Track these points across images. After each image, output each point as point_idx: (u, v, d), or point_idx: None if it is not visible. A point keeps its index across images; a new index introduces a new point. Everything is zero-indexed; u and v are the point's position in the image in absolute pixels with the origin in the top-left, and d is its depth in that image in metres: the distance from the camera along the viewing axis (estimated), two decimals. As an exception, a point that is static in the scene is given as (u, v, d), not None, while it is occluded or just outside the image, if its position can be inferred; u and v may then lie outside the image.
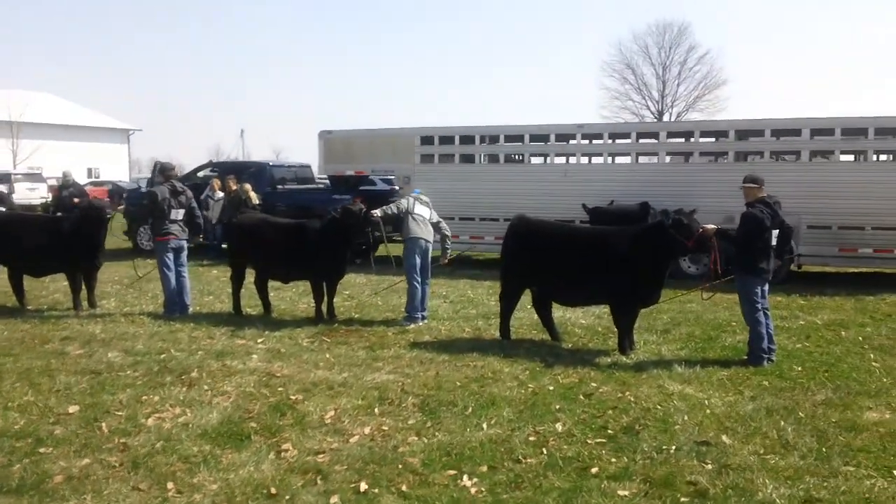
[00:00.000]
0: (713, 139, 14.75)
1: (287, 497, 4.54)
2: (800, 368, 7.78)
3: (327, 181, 17.78)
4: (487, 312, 10.60)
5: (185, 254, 10.83)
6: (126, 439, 5.48)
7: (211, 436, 5.59)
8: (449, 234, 10.52)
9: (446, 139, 15.93)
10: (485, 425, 5.93)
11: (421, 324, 9.93)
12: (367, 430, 5.76)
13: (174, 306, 10.66)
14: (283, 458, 5.19)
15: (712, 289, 9.14)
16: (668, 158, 14.58)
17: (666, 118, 47.95)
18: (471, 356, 8.16)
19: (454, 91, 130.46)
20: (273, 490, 4.62)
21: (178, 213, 10.62)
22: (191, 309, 10.87)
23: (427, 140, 16.05)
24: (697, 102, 50.96)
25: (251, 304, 10.93)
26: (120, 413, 6.12)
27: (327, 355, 8.23)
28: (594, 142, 15.09)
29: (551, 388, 7.04)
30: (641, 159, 14.81)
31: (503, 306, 9.21)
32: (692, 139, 14.42)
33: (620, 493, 4.69)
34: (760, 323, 7.94)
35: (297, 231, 10.29)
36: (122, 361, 7.89)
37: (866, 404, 6.53)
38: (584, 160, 15.50)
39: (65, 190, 17.56)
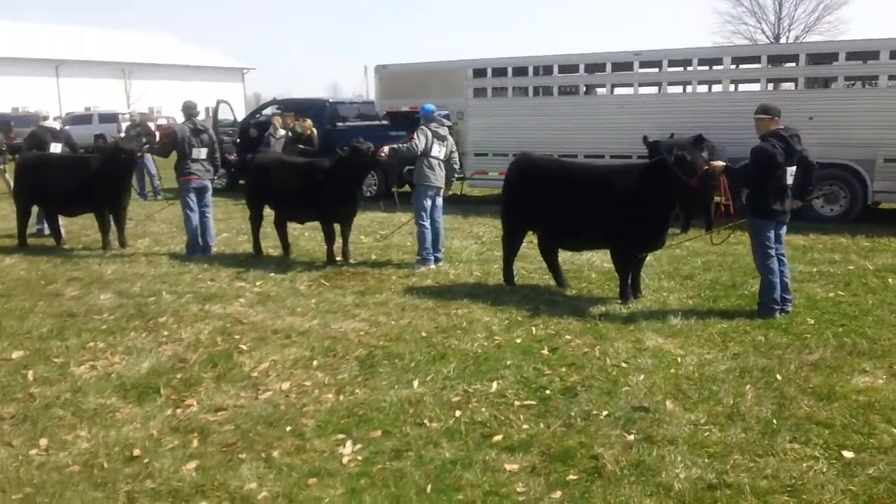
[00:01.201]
0: (780, 64, 13.37)
1: (146, 459, 4.34)
2: (812, 322, 6.96)
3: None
4: (521, 255, 9.92)
5: (209, 194, 10.80)
6: (39, 388, 5.45)
7: (125, 387, 5.49)
8: (457, 166, 9.99)
9: (499, 71, 15.20)
10: (416, 382, 5.57)
11: (432, 266, 9.54)
12: (285, 386, 5.51)
13: (196, 247, 10.70)
14: (177, 415, 5.01)
15: (724, 230, 8.19)
16: (732, 87, 13.33)
17: (783, 42, 44.48)
18: (458, 303, 7.76)
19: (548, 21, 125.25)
20: (137, 451, 4.44)
21: (201, 153, 10.55)
22: (214, 249, 10.87)
23: (479, 73, 15.36)
24: (817, 24, 46.92)
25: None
26: (57, 360, 6.10)
27: (312, 301, 8.02)
28: (652, 70, 13.99)
29: (519, 340, 6.58)
30: (701, 88, 13.61)
31: (505, 250, 8.70)
32: (758, 65, 13.10)
33: (507, 466, 4.25)
34: (773, 271, 7.12)
35: (306, 170, 10.04)
36: (106, 304, 7.95)
37: (862, 366, 5.74)
38: (644, 90, 14.43)
39: (132, 129, 17.95)
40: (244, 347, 6.44)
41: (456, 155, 9.88)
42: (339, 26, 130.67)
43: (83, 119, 39.61)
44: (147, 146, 11.30)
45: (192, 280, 9.07)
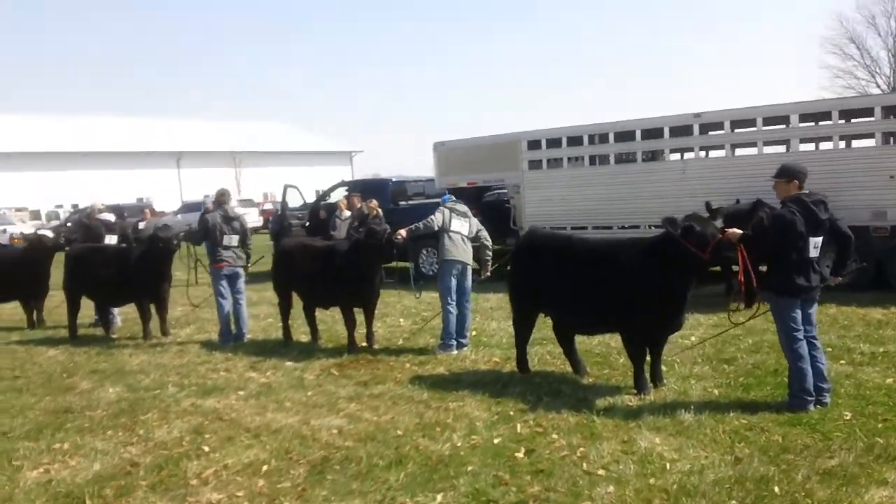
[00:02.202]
0: (850, 119, 12.27)
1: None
2: (849, 416, 5.97)
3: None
4: (547, 337, 9.15)
5: (241, 280, 10.71)
6: (-30, 498, 5.23)
7: (57, 496, 5.22)
8: (489, 243, 9.48)
9: (553, 142, 14.70)
10: (355, 494, 5.01)
11: (453, 352, 8.99)
12: (215, 497, 5.08)
13: (228, 335, 10.59)
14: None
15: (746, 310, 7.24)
16: (800, 146, 12.29)
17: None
18: (457, 394, 7.21)
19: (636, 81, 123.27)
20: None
21: (232, 240, 10.52)
22: (247, 336, 10.72)
23: (534, 144, 14.92)
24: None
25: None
26: (16, 462, 5.92)
27: (309, 393, 7.64)
28: (714, 133, 13.11)
29: (497, 440, 5.92)
30: (767, 149, 12.61)
31: (516, 334, 8.08)
32: (827, 122, 12.06)
33: None
34: (801, 356, 6.20)
35: (326, 254, 9.79)
36: (108, 398, 7.81)
37: (884, 476, 4.77)
38: (704, 154, 13.57)
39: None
40: (206, 449, 6.07)
41: (484, 232, 9.42)
42: (443, 104, 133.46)
43: (195, 207, 41.55)
44: (182, 234, 11.39)
45: (206, 371, 8.87)
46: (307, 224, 18.75)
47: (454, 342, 9.08)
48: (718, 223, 6.68)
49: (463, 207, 9.27)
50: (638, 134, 13.56)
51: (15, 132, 49.83)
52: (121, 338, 11.38)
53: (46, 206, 45.03)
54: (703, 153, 13.40)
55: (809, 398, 6.17)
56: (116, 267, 11.09)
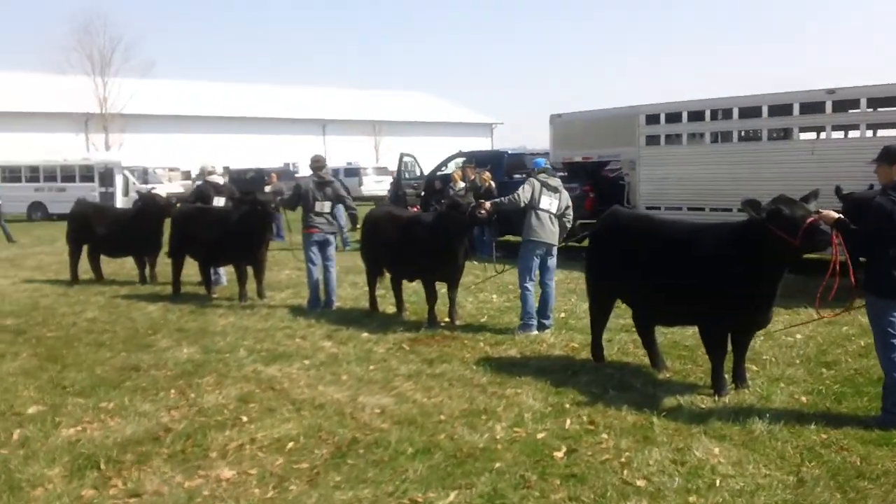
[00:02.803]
0: None
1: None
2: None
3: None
4: (632, 325, 8.55)
5: (331, 248, 10.65)
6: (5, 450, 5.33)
7: (78, 458, 5.22)
8: (569, 220, 8.91)
9: (673, 117, 13.75)
10: (366, 483, 4.74)
11: (532, 333, 8.55)
12: (227, 474, 4.94)
13: (316, 302, 10.57)
14: (84, 497, 4.60)
15: (841, 303, 6.27)
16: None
17: None
18: (517, 381, 6.80)
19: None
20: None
21: (324, 206, 10.46)
22: (336, 304, 10.68)
23: (652, 119, 14.02)
24: None
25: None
26: (59, 419, 6.02)
27: (371, 367, 7.44)
28: (849, 111, 11.78)
29: (542, 435, 5.49)
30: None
31: (592, 320, 7.54)
32: None
33: None
34: (902, 360, 5.37)
35: (410, 225, 9.53)
36: (177, 359, 7.90)
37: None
38: (837, 134, 12.26)
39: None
40: (244, 419, 5.98)
41: (570, 211, 8.85)
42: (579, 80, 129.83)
43: (333, 173, 42.58)
44: (280, 199, 11.44)
45: (282, 337, 8.85)
46: (422, 194, 18.66)
47: (534, 322, 8.64)
48: (812, 206, 5.86)
49: (555, 181, 8.73)
50: (764, 110, 12.44)
51: (170, 97, 52.56)
52: (221, 298, 11.58)
53: (197, 168, 47.43)
54: (836, 133, 12.10)
55: (906, 415, 5.34)
56: (217, 228, 11.29)
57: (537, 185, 8.64)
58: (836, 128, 12.00)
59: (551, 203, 8.57)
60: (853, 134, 12.02)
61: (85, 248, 13.50)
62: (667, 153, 13.81)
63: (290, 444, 5.41)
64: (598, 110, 15.34)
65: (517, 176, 17.10)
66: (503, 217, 9.49)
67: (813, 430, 5.38)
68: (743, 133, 12.96)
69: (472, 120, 68.60)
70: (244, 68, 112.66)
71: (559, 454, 5.11)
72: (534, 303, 8.68)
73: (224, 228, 11.20)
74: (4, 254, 18.28)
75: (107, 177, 32.09)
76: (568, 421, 5.71)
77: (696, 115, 13.38)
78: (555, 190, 8.65)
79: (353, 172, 40.24)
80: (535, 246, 8.67)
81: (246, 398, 6.51)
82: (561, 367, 7.21)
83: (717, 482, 4.58)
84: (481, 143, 66.53)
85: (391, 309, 10.24)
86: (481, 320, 9.52)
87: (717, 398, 6.17)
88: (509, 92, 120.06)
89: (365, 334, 8.83)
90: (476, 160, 17.91)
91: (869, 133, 11.56)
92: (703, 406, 5.98)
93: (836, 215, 5.59)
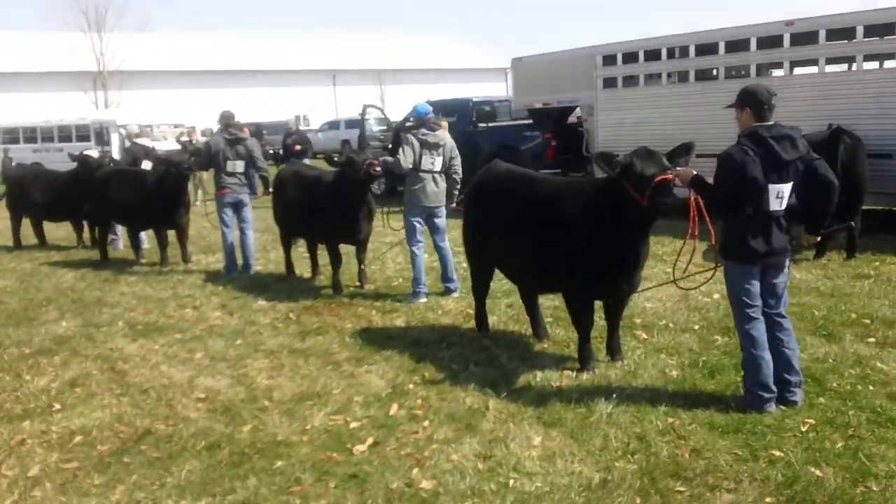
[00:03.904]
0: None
1: None
2: (807, 427, 4.46)
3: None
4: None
5: (246, 209, 10.08)
6: None
7: None
8: (459, 176, 8.18)
9: (630, 56, 12.81)
10: (116, 489, 4.23)
11: (422, 301, 7.93)
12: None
13: (233, 266, 10.07)
14: None
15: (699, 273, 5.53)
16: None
17: None
18: (380, 355, 6.29)
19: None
20: None
21: (236, 165, 9.88)
22: (255, 268, 10.15)
23: (609, 60, 13.08)
24: None
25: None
26: None
27: (238, 342, 6.96)
28: (807, 46, 10.77)
29: (356, 424, 4.95)
30: (868, 65, 10.23)
31: (473, 288, 6.92)
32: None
33: None
34: (755, 341, 4.71)
35: (312, 186, 8.89)
36: (50, 333, 7.53)
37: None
38: (799, 70, 11.29)
39: (289, 137, 17.99)
40: (56, 406, 5.53)
41: (457, 162, 8.14)
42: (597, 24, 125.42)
43: (334, 125, 41.90)
44: (192, 159, 10.84)
45: (175, 307, 8.38)
46: (389, 147, 17.92)
47: (422, 289, 8.02)
48: (682, 162, 5.14)
49: (436, 136, 7.96)
50: (721, 46, 11.47)
51: (170, 51, 51.71)
52: (147, 263, 11.08)
53: (203, 124, 46.86)
54: (798, 69, 11.15)
55: (768, 395, 4.70)
56: (134, 191, 10.77)
57: (416, 144, 7.90)
58: (793, 63, 11.03)
59: (433, 162, 7.88)
60: (810, 70, 11.07)
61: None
62: (623, 96, 12.93)
63: (78, 439, 4.93)
64: (558, 52, 14.42)
65: (482, 125, 16.37)
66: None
67: (661, 412, 4.75)
68: (700, 72, 11.99)
69: (484, 65, 66.91)
70: (245, 15, 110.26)
71: (361, 447, 4.56)
72: (423, 267, 8.05)
73: (141, 191, 10.68)
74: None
75: (102, 135, 31.78)
76: (395, 406, 5.14)
77: (653, 55, 12.45)
78: (435, 146, 7.92)
79: (356, 125, 39.45)
80: (418, 210, 8.00)
81: (77, 381, 6.05)
82: (437, 339, 6.62)
83: (511, 483, 4.00)
84: (496, 89, 65.14)
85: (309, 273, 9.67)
86: (393, 284, 8.94)
87: (585, 371, 5.55)
88: (525, 34, 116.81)
89: (261, 302, 8.33)
90: (442, 109, 17.09)
91: (830, 68, 10.61)
92: (557, 384, 5.38)
93: (693, 173, 4.88)
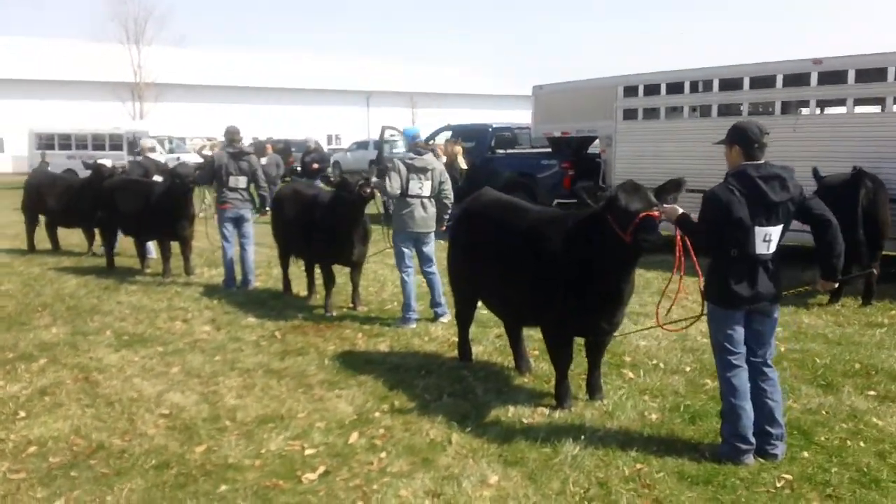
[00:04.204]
0: None
1: None
2: (783, 483, 4.18)
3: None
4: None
5: (247, 224, 9.98)
6: None
7: None
8: (449, 201, 7.98)
9: (651, 89, 12.59)
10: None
11: (411, 327, 7.73)
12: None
13: (232, 281, 9.99)
14: None
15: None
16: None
17: None
18: (354, 380, 6.12)
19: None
20: None
21: (239, 181, 9.81)
22: (254, 283, 10.05)
23: (630, 91, 12.87)
24: None
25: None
26: None
27: (216, 358, 6.84)
28: (836, 86, 10.46)
29: (312, 451, 4.76)
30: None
31: (456, 316, 6.73)
32: None
33: None
34: (735, 390, 4.45)
35: (308, 206, 8.78)
36: (37, 339, 7.50)
37: None
38: (827, 110, 10.99)
39: (307, 155, 18.05)
40: (21, 414, 5.45)
41: (447, 187, 7.95)
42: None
43: (363, 145, 42.13)
44: (197, 172, 10.79)
45: (166, 318, 8.31)
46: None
47: (413, 315, 7.83)
48: (670, 198, 4.93)
49: (423, 160, 7.78)
50: (746, 82, 11.22)
51: (206, 65, 52.27)
52: (152, 273, 11.05)
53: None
54: (819, 109, 10.86)
55: (745, 447, 4.43)
56: (140, 201, 10.79)
57: (403, 169, 7.73)
58: (819, 103, 10.75)
59: (421, 187, 7.70)
60: (839, 110, 10.77)
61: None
62: (643, 128, 12.68)
63: (32, 449, 4.82)
64: (579, 81, 14.23)
65: (500, 152, 16.23)
66: None
67: (630, 457, 4.51)
68: (723, 107, 11.73)
69: (510, 92, 66.96)
70: (281, 37, 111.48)
71: (311, 476, 4.38)
72: (413, 293, 7.86)
73: (146, 202, 10.70)
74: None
75: (135, 145, 32.21)
76: (356, 434, 4.96)
77: (675, 88, 12.22)
78: (423, 171, 7.74)
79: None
80: (406, 235, 7.84)
81: (48, 390, 5.95)
82: (417, 366, 6.44)
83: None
84: (521, 116, 64.97)
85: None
86: (387, 307, 8.76)
87: (561, 409, 5.32)
88: (549, 63, 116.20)
89: (251, 319, 8.21)
90: (462, 134, 17.04)
91: (858, 109, 10.32)
92: (528, 421, 5.16)
93: (679, 211, 4.67)
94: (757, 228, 4.30)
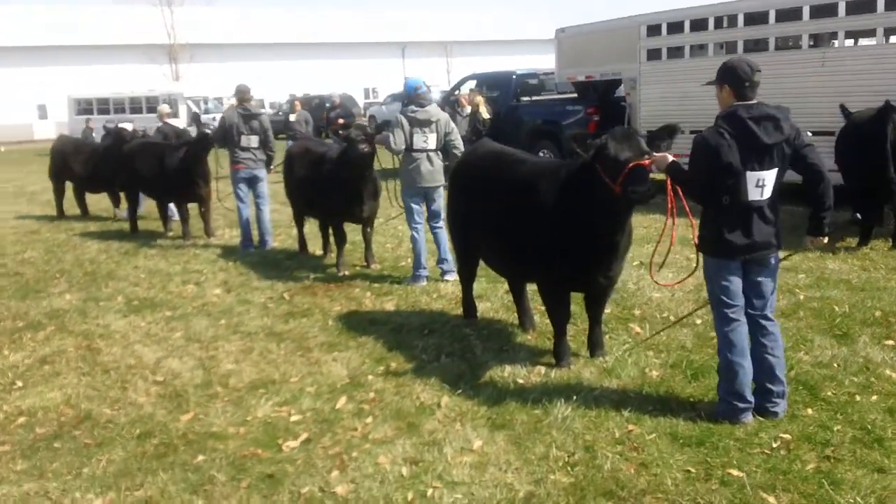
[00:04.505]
0: None
1: None
2: (780, 443, 3.99)
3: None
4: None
5: (261, 184, 9.88)
6: None
7: None
8: (459, 151, 7.64)
9: (675, 27, 12.07)
10: (33, 477, 4.08)
11: (422, 284, 7.59)
12: None
13: (249, 242, 9.95)
14: None
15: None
16: None
17: None
18: (355, 342, 6.07)
19: None
20: None
21: (250, 140, 9.68)
22: (271, 244, 10.01)
23: (653, 30, 12.37)
24: None
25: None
26: None
27: (221, 322, 6.80)
28: (864, 15, 9.87)
29: (298, 417, 4.68)
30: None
31: (459, 273, 6.57)
32: None
33: None
34: (732, 345, 4.23)
35: (317, 163, 8.62)
36: (50, 306, 7.56)
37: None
38: (851, 42, 10.41)
39: (332, 111, 17.87)
40: (18, 384, 5.50)
41: (454, 137, 7.67)
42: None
43: (397, 98, 41.66)
44: (211, 132, 10.71)
45: (179, 282, 8.32)
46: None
47: (423, 273, 7.67)
48: (663, 146, 4.67)
49: (426, 112, 7.50)
50: (771, 15, 10.68)
51: (238, 23, 51.90)
52: (175, 236, 11.07)
53: (276, 97, 47.13)
54: (848, 41, 10.29)
55: (742, 405, 4.22)
56: (157, 163, 10.79)
57: (405, 123, 7.46)
58: (848, 34, 10.18)
59: (426, 140, 7.44)
60: (868, 42, 10.20)
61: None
62: (668, 69, 12.22)
63: (21, 420, 4.85)
64: (602, 22, 13.73)
65: (525, 99, 15.84)
66: None
67: (623, 418, 4.35)
68: (748, 43, 11.20)
69: (546, 36, 65.51)
70: None
71: (293, 444, 4.30)
72: (423, 250, 7.69)
73: (163, 163, 10.69)
74: (35, 188, 18.35)
75: (170, 106, 32.41)
76: (344, 399, 4.87)
77: (700, 24, 11.70)
78: (426, 123, 7.46)
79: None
80: (414, 191, 7.62)
81: (49, 358, 5.99)
82: (419, 326, 6.32)
83: (429, 492, 3.69)
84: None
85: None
86: (401, 265, 8.63)
87: (560, 367, 5.17)
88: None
89: (262, 280, 8.18)
90: (486, 82, 16.67)
91: (893, 39, 9.77)
92: (523, 381, 5.00)
93: (670, 158, 4.40)
94: (749, 173, 4.03)
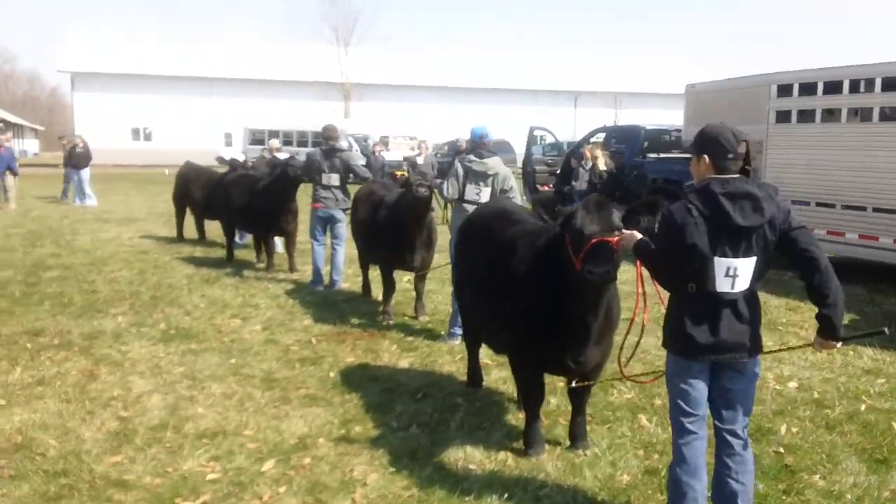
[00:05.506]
0: None
1: None
2: None
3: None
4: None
5: (339, 225, 9.80)
6: None
7: None
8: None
9: (807, 88, 10.94)
10: None
11: (457, 342, 7.12)
12: None
13: (318, 281, 9.89)
14: None
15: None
16: None
17: None
18: (362, 392, 5.80)
19: None
20: None
21: (331, 178, 9.65)
22: (341, 285, 9.90)
23: (784, 90, 11.27)
24: None
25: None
26: None
27: (231, 360, 6.67)
28: None
29: (269, 466, 4.35)
30: None
31: (464, 334, 6.09)
32: None
33: None
34: (685, 461, 3.52)
35: (376, 208, 8.41)
36: (93, 328, 7.67)
37: None
38: None
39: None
40: (1, 403, 5.50)
41: (514, 195, 7.16)
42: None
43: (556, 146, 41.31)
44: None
45: (226, 317, 8.23)
46: (557, 172, 17.05)
47: (458, 330, 7.18)
48: (646, 220, 4.02)
49: (483, 164, 7.06)
50: (913, 80, 9.44)
51: (409, 64, 53.14)
52: (261, 269, 11.20)
53: (438, 138, 48.00)
54: None
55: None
56: (248, 194, 11.02)
57: (461, 172, 7.11)
58: None
59: (479, 193, 7.00)
60: None
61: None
62: (796, 133, 11.08)
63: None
64: (730, 80, 12.75)
65: (651, 155, 15.01)
66: None
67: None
68: (885, 111, 9.93)
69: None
70: (488, 33, 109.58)
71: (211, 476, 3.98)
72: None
73: (252, 194, 10.90)
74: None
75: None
76: (272, 462, 4.51)
77: (832, 87, 10.55)
78: (482, 175, 7.02)
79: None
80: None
81: (48, 380, 6.04)
82: (417, 388, 5.91)
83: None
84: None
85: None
86: (440, 318, 8.20)
87: (528, 456, 4.59)
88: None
89: (304, 321, 8.02)
90: (616, 135, 15.99)
91: None
92: (475, 466, 4.46)
93: (638, 237, 3.75)
94: (717, 259, 3.33)
